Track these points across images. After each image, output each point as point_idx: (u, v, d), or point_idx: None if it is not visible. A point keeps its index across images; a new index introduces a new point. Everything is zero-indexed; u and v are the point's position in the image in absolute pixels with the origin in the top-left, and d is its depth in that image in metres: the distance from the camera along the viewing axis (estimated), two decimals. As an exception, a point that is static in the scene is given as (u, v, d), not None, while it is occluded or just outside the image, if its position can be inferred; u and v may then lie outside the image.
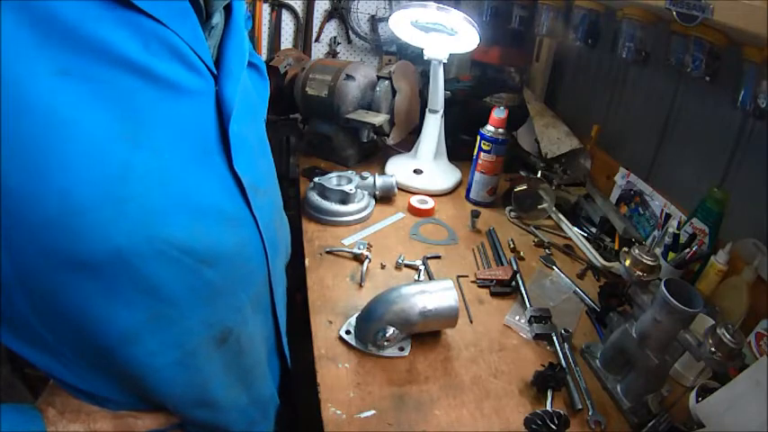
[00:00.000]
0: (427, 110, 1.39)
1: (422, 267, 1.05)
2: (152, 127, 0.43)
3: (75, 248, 0.40)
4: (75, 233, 0.39)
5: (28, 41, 0.36)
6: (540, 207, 1.28)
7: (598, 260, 1.13)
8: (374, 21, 1.92)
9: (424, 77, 1.46)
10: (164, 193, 0.44)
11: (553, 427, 0.71)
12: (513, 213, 1.31)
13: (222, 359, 0.55)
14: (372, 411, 0.74)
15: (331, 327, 0.88)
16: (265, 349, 0.66)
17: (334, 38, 1.91)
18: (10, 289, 0.40)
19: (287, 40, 1.88)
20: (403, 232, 1.18)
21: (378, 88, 1.40)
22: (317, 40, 1.89)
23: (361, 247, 1.07)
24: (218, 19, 0.52)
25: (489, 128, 1.26)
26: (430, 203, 1.27)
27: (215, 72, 0.50)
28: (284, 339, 0.71)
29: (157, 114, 0.43)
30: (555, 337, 0.89)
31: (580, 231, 1.24)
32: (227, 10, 0.54)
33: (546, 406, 0.77)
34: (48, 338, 0.44)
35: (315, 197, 1.19)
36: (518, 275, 1.03)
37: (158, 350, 0.48)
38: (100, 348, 0.45)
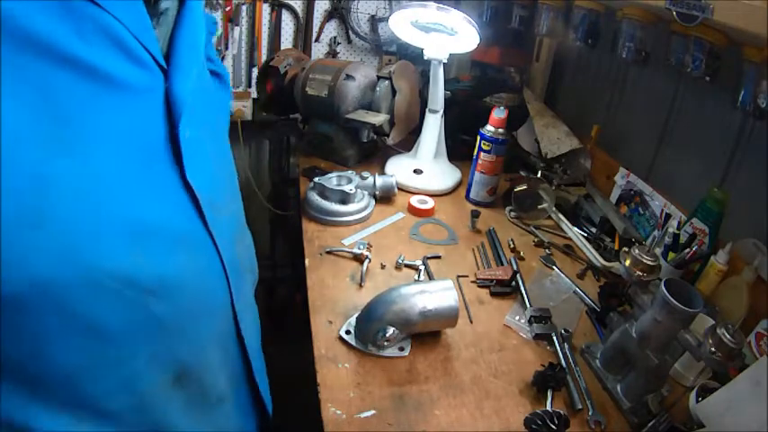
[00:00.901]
0: (427, 110, 1.39)
1: (422, 267, 1.05)
2: (81, 129, 0.36)
3: None
4: None
5: None
6: (540, 207, 1.28)
7: (598, 260, 1.13)
8: (374, 21, 1.92)
9: (424, 77, 1.47)
10: (94, 211, 0.37)
11: (553, 427, 0.71)
12: (513, 213, 1.31)
13: (182, 398, 0.48)
14: (372, 411, 0.74)
15: (331, 327, 0.88)
16: (230, 384, 0.57)
17: (334, 38, 1.91)
18: None
19: (287, 40, 1.88)
20: (403, 232, 1.18)
21: (378, 88, 1.40)
22: (317, 40, 1.89)
23: (361, 247, 1.07)
24: (168, 3, 0.45)
25: (489, 128, 1.26)
26: (430, 203, 1.27)
27: (164, 66, 0.43)
28: (258, 375, 0.62)
29: (89, 114, 0.37)
30: (555, 337, 0.89)
31: (580, 231, 1.24)
32: None
33: (546, 406, 0.77)
34: None
35: (315, 197, 1.19)
36: (518, 275, 1.03)
37: (106, 395, 0.42)
38: (39, 393, 0.39)
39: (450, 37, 1.27)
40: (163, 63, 0.43)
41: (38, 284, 0.35)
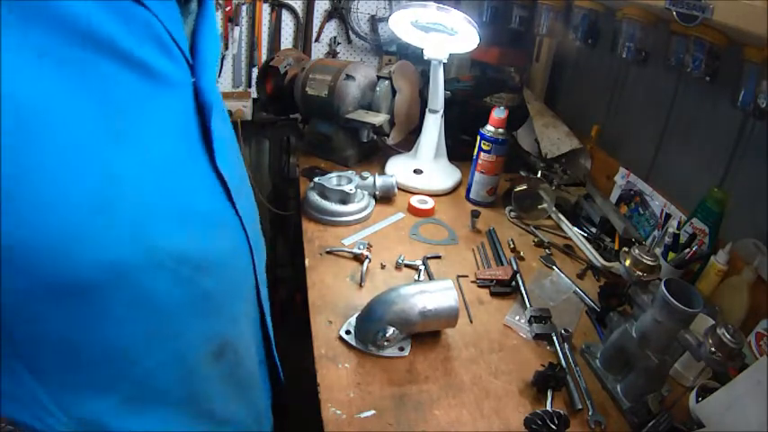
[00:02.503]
0: (427, 110, 1.39)
1: (422, 267, 1.05)
2: (137, 120, 0.38)
3: (61, 271, 0.34)
4: (61, 252, 0.34)
5: (10, 26, 0.31)
6: (540, 207, 1.28)
7: (598, 260, 1.13)
8: (374, 21, 1.92)
9: (424, 77, 1.46)
10: (154, 197, 0.39)
11: (553, 427, 0.71)
12: (513, 213, 1.31)
13: (220, 372, 0.52)
14: (372, 411, 0.74)
15: (331, 327, 0.88)
16: (257, 359, 0.63)
17: (334, 38, 1.91)
18: None
19: (287, 40, 1.88)
20: (403, 232, 1.18)
21: (378, 88, 1.40)
22: (317, 40, 1.89)
23: (361, 247, 1.07)
24: (194, 3, 0.48)
25: (489, 128, 1.26)
26: (430, 203, 1.27)
27: (191, 62, 0.45)
28: (274, 347, 0.68)
29: (142, 105, 0.39)
30: (555, 337, 0.89)
31: (580, 231, 1.24)
32: None
33: (546, 406, 0.77)
34: (25, 378, 0.38)
35: (315, 197, 1.19)
36: (518, 275, 1.03)
37: (156, 368, 0.44)
38: (91, 374, 0.41)
39: (450, 37, 1.27)
40: (190, 59, 0.45)
41: (109, 267, 0.36)
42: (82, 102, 0.34)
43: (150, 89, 0.40)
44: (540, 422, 0.71)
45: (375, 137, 1.44)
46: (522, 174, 1.38)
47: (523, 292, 1.00)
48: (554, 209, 1.29)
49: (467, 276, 1.06)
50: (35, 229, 0.33)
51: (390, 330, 0.81)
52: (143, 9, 0.38)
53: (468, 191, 1.35)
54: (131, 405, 0.44)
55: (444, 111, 1.38)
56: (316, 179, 1.20)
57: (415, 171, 1.38)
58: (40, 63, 0.32)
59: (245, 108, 1.88)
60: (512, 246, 1.17)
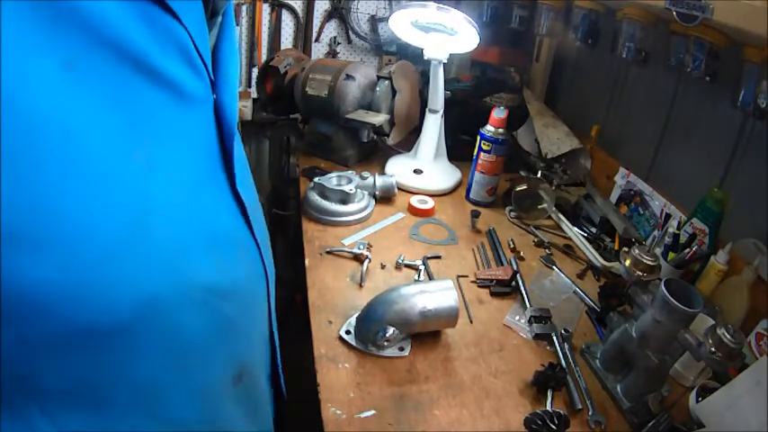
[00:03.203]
0: (427, 110, 1.39)
1: (422, 267, 1.05)
2: (165, 142, 0.36)
3: (89, 312, 0.30)
4: (90, 290, 0.30)
5: (34, 26, 0.27)
6: (540, 207, 1.28)
7: (598, 260, 1.13)
8: (374, 21, 1.92)
9: (424, 77, 1.46)
10: (184, 223, 0.37)
11: (553, 427, 0.71)
12: (513, 213, 1.31)
13: (237, 395, 0.50)
14: (372, 411, 0.74)
15: (331, 327, 0.88)
16: (266, 379, 0.61)
17: (334, 38, 1.91)
18: None
19: (287, 40, 1.88)
20: (403, 232, 1.18)
21: (378, 88, 1.40)
22: (317, 40, 1.89)
23: (361, 247, 1.07)
24: (220, 16, 0.45)
25: (489, 128, 1.26)
26: (430, 203, 1.27)
27: (212, 77, 0.43)
28: (279, 362, 0.66)
29: (170, 126, 0.36)
30: (555, 337, 0.89)
31: (580, 231, 1.24)
32: None
33: (546, 406, 0.77)
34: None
35: (315, 197, 1.19)
36: (518, 275, 1.03)
37: (183, 401, 0.42)
38: (114, 415, 0.37)
39: (450, 37, 1.27)
40: (212, 75, 0.43)
41: (141, 304, 0.33)
42: (112, 120, 0.31)
43: (179, 108, 0.38)
44: (540, 422, 0.71)
45: (375, 137, 1.44)
46: (522, 174, 1.38)
47: (523, 292, 1.00)
48: (554, 209, 1.29)
49: (467, 276, 1.06)
50: (64, 265, 0.29)
51: (390, 330, 0.81)
52: (177, 23, 0.35)
53: (468, 191, 1.35)
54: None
55: (444, 111, 1.38)
56: (316, 179, 1.20)
57: (415, 171, 1.38)
58: (69, 76, 0.28)
59: (245, 108, 1.88)
60: (512, 246, 1.17)
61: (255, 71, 1.85)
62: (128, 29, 0.32)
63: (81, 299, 0.30)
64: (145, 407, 0.39)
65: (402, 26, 1.31)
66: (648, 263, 0.79)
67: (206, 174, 0.42)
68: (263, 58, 1.85)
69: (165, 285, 0.35)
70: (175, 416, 0.42)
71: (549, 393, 0.78)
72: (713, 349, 0.68)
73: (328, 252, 1.08)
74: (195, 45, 0.39)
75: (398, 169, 1.38)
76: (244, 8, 1.77)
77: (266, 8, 1.81)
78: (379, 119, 1.35)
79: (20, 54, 0.26)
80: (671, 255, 1.04)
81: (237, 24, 1.77)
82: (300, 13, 1.85)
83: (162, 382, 0.39)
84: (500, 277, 1.03)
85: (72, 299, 0.30)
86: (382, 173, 1.36)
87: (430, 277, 1.04)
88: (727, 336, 0.67)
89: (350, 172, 1.24)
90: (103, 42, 0.30)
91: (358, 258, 1.06)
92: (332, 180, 1.20)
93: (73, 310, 0.30)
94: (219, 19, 0.45)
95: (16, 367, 0.30)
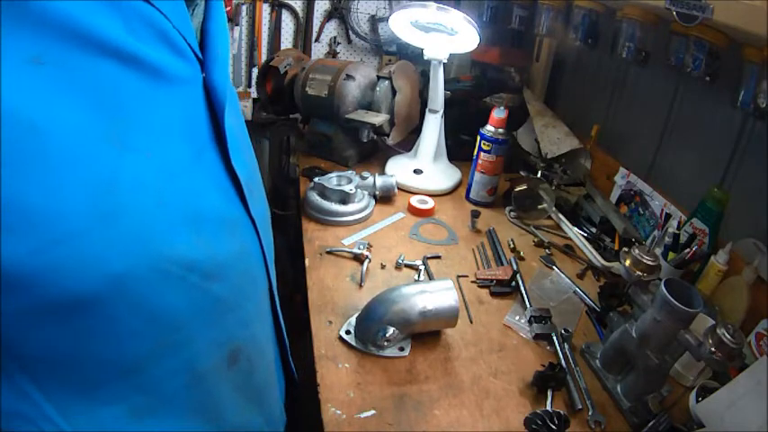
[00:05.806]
0: (427, 110, 1.39)
1: (422, 267, 1.05)
2: (140, 124, 0.37)
3: (65, 287, 0.33)
4: (62, 267, 0.32)
5: None
6: (540, 207, 1.28)
7: (598, 260, 1.13)
8: (374, 21, 1.92)
9: (424, 77, 1.47)
10: (159, 202, 0.38)
11: (553, 427, 0.71)
12: (513, 213, 1.31)
13: (233, 380, 0.50)
14: (372, 411, 0.74)
15: (331, 327, 0.88)
16: (272, 363, 0.61)
17: (334, 38, 1.91)
18: None
19: (287, 40, 1.88)
20: (403, 232, 1.18)
21: (378, 88, 1.40)
22: (317, 40, 1.90)
23: (361, 247, 1.07)
24: None
25: (489, 128, 1.26)
26: (430, 203, 1.27)
27: (201, 57, 0.43)
28: (287, 345, 0.67)
29: (145, 108, 0.37)
30: (555, 337, 0.89)
31: (580, 231, 1.24)
32: None
33: (546, 406, 0.77)
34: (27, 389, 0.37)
35: (315, 197, 1.19)
36: (518, 275, 1.03)
37: (165, 377, 0.43)
38: (98, 387, 0.39)
39: (450, 37, 1.27)
40: (200, 54, 0.43)
41: (113, 280, 0.35)
42: (81, 108, 0.33)
43: (155, 89, 0.38)
44: (540, 422, 0.71)
45: (375, 137, 1.44)
46: (522, 174, 1.38)
47: (523, 292, 1.00)
48: (554, 209, 1.29)
49: (467, 276, 1.06)
50: (35, 246, 0.31)
51: (390, 330, 0.81)
52: (146, 5, 0.37)
53: (468, 191, 1.35)
54: (139, 413, 0.43)
55: (444, 111, 1.38)
56: (316, 179, 1.20)
57: (415, 171, 1.38)
58: (36, 70, 0.30)
59: (245, 108, 1.88)
60: (512, 246, 1.17)
61: (255, 71, 1.85)
62: (96, 18, 0.33)
63: (52, 275, 0.32)
64: (126, 380, 0.40)
65: (402, 26, 1.31)
66: (648, 263, 0.79)
67: (191, 153, 0.42)
68: (263, 58, 1.85)
69: (138, 262, 0.36)
70: (159, 389, 0.43)
71: (549, 393, 0.78)
72: (713, 349, 0.68)
73: (328, 252, 1.08)
74: (175, 26, 0.40)
75: (398, 169, 1.38)
76: (244, 8, 1.77)
77: (266, 8, 1.81)
78: (379, 119, 1.35)
79: None
80: (671, 255, 1.04)
81: (237, 24, 1.78)
82: (300, 13, 1.85)
83: (143, 357, 0.40)
84: (500, 277, 1.03)
85: (43, 276, 0.32)
86: (382, 173, 1.36)
87: (430, 277, 1.04)
88: (727, 336, 0.67)
89: (350, 172, 1.24)
90: (72, 34, 0.32)
91: (358, 258, 1.06)
92: (332, 180, 1.20)
93: (43, 287, 0.32)
94: None
95: (3, 335, 0.33)
